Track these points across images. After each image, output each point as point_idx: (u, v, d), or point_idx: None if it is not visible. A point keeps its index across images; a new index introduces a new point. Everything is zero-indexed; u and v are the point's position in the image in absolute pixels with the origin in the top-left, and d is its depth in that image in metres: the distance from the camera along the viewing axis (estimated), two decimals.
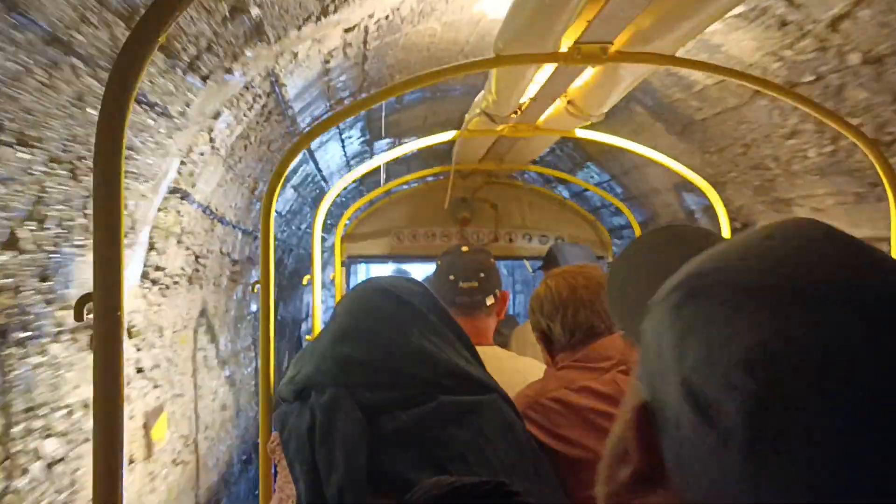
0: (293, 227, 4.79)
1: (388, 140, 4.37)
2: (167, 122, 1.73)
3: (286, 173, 1.71)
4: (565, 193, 4.96)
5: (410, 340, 1.10)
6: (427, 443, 1.00)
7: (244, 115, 2.26)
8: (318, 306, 2.78)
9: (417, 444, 1.00)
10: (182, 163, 2.01)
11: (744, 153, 2.74)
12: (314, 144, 3.55)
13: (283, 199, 4.01)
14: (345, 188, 3.00)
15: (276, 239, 3.23)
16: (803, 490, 0.35)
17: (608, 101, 2.12)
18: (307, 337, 5.19)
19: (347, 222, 3.94)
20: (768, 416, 0.37)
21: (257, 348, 4.37)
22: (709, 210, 3.29)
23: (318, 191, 4.74)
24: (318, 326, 2.86)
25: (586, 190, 4.61)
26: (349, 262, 4.03)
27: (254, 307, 4.18)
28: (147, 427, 2.16)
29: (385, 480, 0.97)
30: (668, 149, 3.28)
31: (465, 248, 2.09)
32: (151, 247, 2.08)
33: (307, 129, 3.03)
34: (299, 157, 3.38)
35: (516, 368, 1.69)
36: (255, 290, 1.66)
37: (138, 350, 2.10)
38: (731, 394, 0.38)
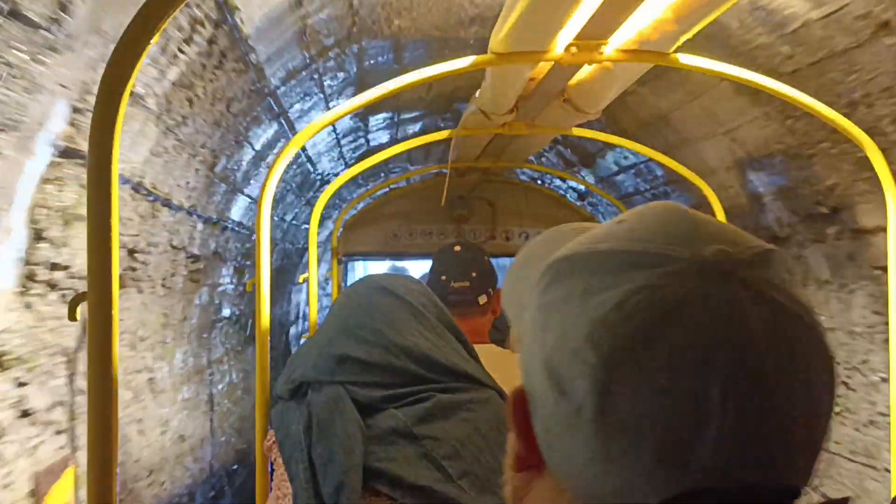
0: (275, 219, 4.15)
1: (385, 114, 3.72)
2: (26, 32, 1.08)
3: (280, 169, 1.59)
4: (590, 179, 4.33)
5: (407, 338, 1.10)
6: (423, 440, 1.00)
7: (180, 51, 1.61)
8: (314, 305, 2.68)
9: (413, 442, 1.00)
10: (76, 110, 1.36)
11: (849, 113, 2.10)
12: (295, 117, 2.89)
13: (259, 186, 3.44)
14: (342, 184, 2.70)
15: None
16: (646, 455, 0.37)
17: (605, 98, 2.16)
18: (303, 335, 4.97)
19: (346, 217, 3.96)
20: (611, 386, 0.38)
21: (232, 359, 3.75)
22: (785, 192, 2.65)
23: (303, 175, 4.10)
24: (315, 327, 2.87)
25: (617, 174, 3.99)
26: (346, 259, 4.11)
27: (227, 311, 3.55)
28: (39, 493, 1.51)
29: (381, 478, 0.98)
30: (734, 116, 2.65)
31: (457, 248, 2.07)
32: (38, 236, 1.43)
33: (278, 86, 2.38)
34: (273, 131, 2.74)
35: (513, 365, 1.38)
36: (250, 289, 1.65)
37: (21, 385, 1.45)
38: (580, 368, 0.40)
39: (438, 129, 3.21)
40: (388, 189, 4.10)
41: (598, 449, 0.39)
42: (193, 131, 2.03)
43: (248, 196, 3.15)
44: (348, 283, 5.09)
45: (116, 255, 0.82)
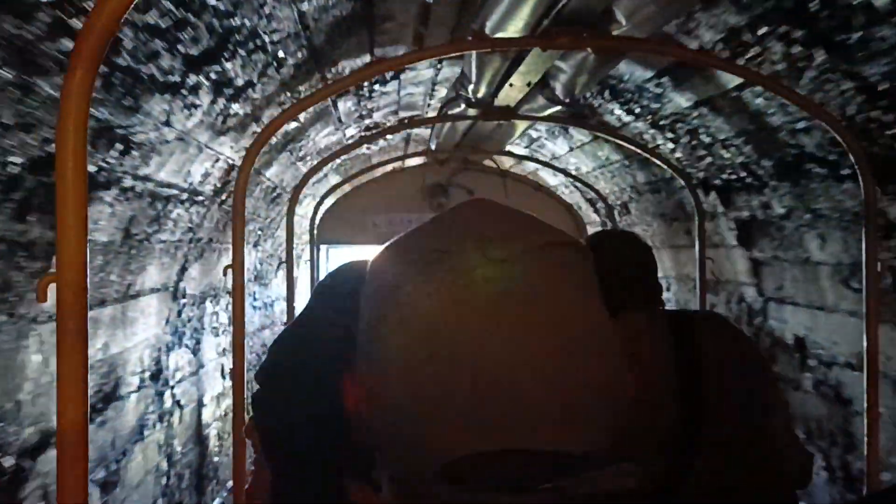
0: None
1: None
2: None
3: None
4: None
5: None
6: None
7: None
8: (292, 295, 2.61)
9: None
10: None
11: None
12: None
13: None
14: None
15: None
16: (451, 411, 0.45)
17: (585, 86, 2.19)
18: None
19: (324, 208, 3.85)
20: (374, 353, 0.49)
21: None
22: None
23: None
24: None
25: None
26: (325, 245, 4.13)
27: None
28: None
29: (363, 466, 0.92)
30: None
31: None
32: None
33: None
34: None
35: None
36: (226, 274, 1.54)
37: None
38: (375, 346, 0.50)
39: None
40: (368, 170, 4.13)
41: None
42: None
43: None
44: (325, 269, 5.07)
45: (86, 232, 0.82)
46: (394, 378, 0.46)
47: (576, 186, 4.20)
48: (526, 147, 4.22)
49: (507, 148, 3.87)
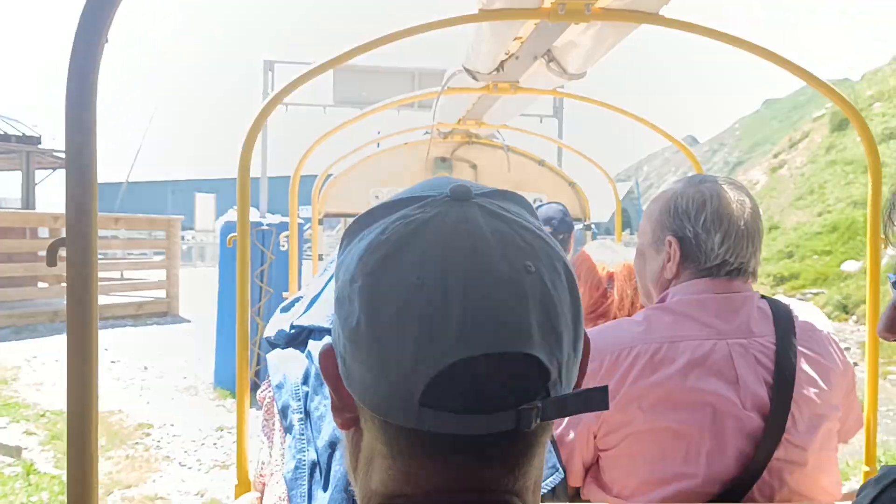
0: None
1: None
2: None
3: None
4: None
5: None
6: None
7: None
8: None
9: None
10: None
11: None
12: None
13: None
14: None
15: None
16: (409, 343, 0.46)
17: (591, 59, 2.13)
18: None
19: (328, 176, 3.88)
20: (375, 294, 0.48)
21: None
22: None
23: None
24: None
25: None
26: (326, 219, 4.12)
27: None
28: None
29: None
30: None
31: None
32: None
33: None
34: None
35: None
36: (232, 245, 1.62)
37: None
38: (354, 288, 0.49)
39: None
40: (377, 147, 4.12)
41: (375, 354, 0.47)
42: None
43: None
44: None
45: (95, 197, 0.80)
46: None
47: None
48: None
49: (511, 122, 3.83)
